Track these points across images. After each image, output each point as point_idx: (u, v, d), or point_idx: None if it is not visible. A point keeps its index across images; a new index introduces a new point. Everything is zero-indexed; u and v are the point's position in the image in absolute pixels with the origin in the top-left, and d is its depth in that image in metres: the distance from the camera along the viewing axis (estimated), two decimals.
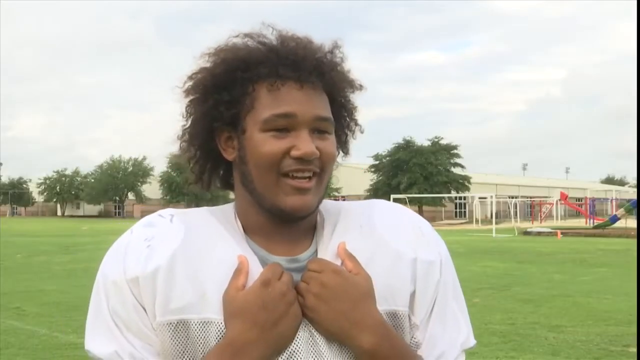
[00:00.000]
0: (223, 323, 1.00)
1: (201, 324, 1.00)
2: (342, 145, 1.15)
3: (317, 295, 1.01)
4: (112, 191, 75.02)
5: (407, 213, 1.16)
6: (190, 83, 1.10)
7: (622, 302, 9.07)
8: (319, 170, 1.05)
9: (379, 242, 1.08)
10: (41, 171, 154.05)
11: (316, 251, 1.08)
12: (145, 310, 1.01)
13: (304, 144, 1.02)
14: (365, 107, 1.16)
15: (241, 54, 1.07)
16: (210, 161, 1.13)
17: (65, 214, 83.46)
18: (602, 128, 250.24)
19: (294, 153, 1.02)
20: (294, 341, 1.01)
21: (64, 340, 6.83)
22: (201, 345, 1.00)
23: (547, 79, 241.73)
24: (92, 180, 78.45)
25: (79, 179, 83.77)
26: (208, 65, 1.08)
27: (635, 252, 15.36)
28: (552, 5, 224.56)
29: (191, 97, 1.09)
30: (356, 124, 1.15)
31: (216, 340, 1.00)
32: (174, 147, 1.14)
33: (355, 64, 1.13)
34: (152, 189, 73.48)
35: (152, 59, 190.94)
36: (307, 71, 1.05)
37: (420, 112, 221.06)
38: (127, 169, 76.31)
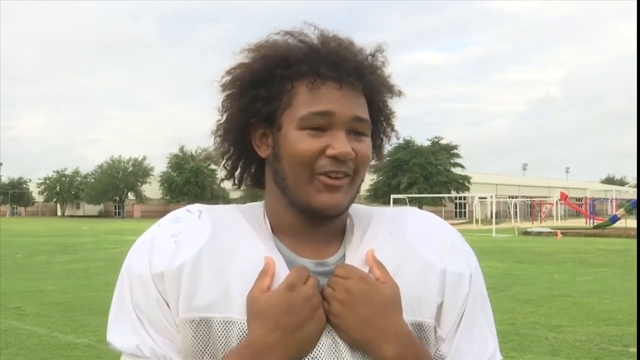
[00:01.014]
0: (245, 324, 0.98)
1: (223, 324, 0.99)
2: (377, 149, 1.13)
3: (341, 302, 0.99)
4: (112, 191, 74.92)
5: (439, 223, 1.14)
6: (228, 78, 1.08)
7: (622, 302, 9.07)
8: (352, 172, 1.03)
9: (408, 251, 1.06)
10: (41, 171, 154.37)
11: (344, 256, 1.06)
12: (168, 306, 1.00)
13: (340, 143, 1.00)
14: None
15: (282, 50, 1.05)
16: (244, 157, 1.11)
17: (65, 214, 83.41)
18: (602, 128, 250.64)
19: (329, 152, 1.00)
20: (317, 347, 0.99)
21: (63, 340, 6.81)
22: (222, 345, 0.99)
23: (547, 79, 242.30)
24: (92, 180, 78.34)
25: (79, 179, 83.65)
26: (247, 60, 1.07)
27: (635, 252, 15.36)
28: (552, 5, 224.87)
29: (228, 92, 1.08)
30: (392, 129, 1.14)
31: (238, 341, 0.98)
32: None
33: None
34: (152, 189, 73.48)
35: (152, 59, 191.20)
36: (347, 72, 1.03)
37: (420, 112, 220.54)
38: (127, 169, 76.19)
